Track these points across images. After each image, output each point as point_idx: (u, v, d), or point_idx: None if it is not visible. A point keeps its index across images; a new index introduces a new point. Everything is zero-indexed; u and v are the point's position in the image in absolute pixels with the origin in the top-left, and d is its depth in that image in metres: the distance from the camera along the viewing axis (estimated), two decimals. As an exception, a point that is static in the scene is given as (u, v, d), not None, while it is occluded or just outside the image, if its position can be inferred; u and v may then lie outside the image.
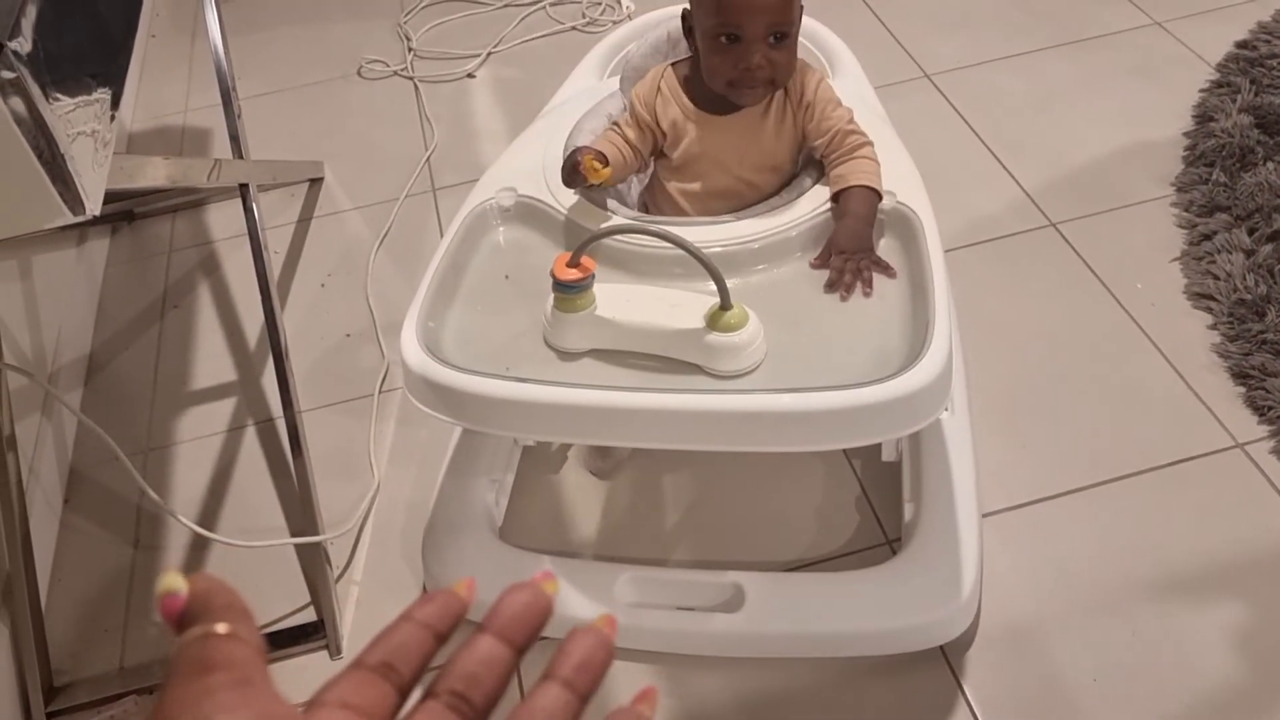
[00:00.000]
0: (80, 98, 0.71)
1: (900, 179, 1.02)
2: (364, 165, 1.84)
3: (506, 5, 2.18)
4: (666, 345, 0.89)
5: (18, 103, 0.62)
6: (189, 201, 1.78)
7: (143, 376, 1.53)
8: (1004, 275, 1.46)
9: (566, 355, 0.92)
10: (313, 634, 1.17)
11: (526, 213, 1.06)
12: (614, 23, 2.05)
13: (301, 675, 1.14)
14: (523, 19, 2.13)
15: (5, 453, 1.19)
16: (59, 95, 0.67)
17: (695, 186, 1.06)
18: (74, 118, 0.69)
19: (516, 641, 0.33)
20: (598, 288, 0.90)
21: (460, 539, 1.17)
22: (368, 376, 1.46)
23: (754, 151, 1.03)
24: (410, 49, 2.09)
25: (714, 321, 0.86)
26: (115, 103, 0.78)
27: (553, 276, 0.89)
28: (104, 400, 1.51)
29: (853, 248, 0.95)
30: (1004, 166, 1.64)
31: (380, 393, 1.43)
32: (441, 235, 1.63)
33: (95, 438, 1.42)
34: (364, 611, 1.20)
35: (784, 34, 0.95)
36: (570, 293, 0.89)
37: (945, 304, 0.89)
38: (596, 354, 0.92)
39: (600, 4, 2.11)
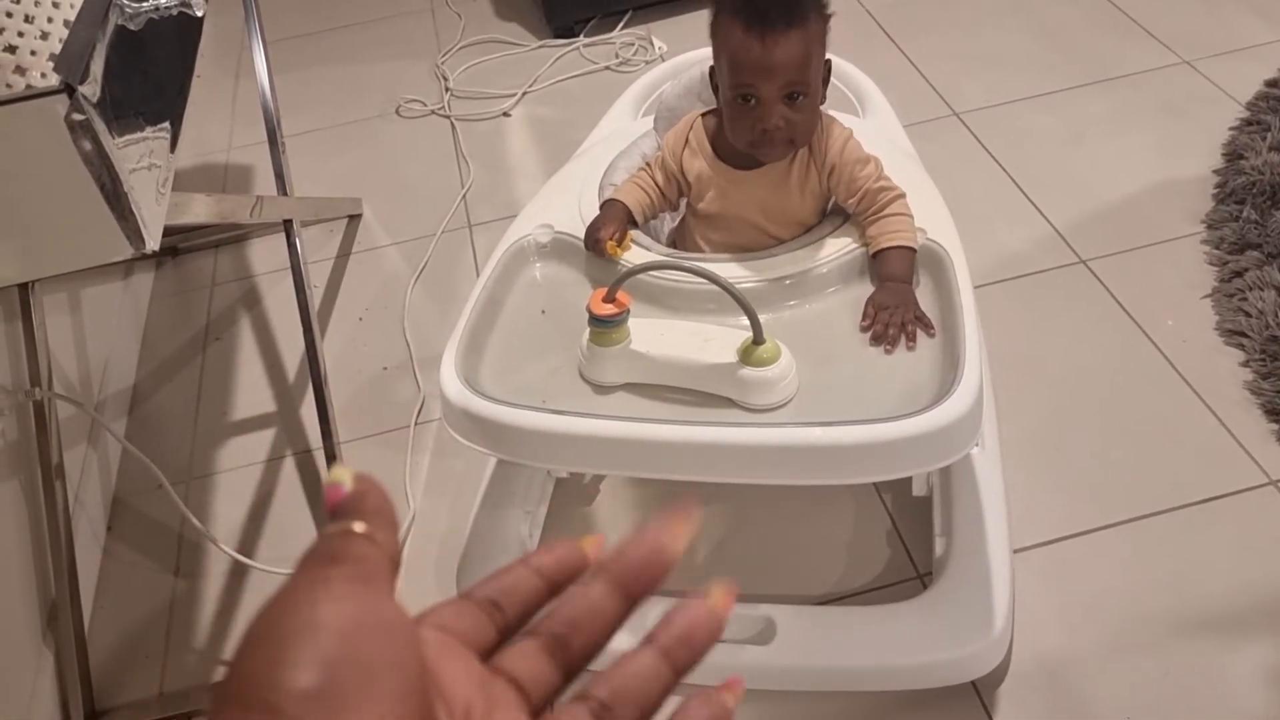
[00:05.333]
0: (143, 136, 0.75)
1: (930, 216, 1.03)
2: (402, 202, 1.88)
3: (541, 46, 2.22)
4: (700, 379, 0.91)
5: (86, 143, 0.66)
6: (231, 237, 1.83)
7: (185, 407, 1.56)
8: (1034, 311, 1.47)
9: (601, 389, 0.94)
10: (348, 662, 1.18)
11: (563, 249, 1.08)
12: (646, 63, 2.08)
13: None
14: (557, 59, 2.17)
15: (53, 481, 1.23)
16: (123, 134, 0.70)
17: (719, 237, 1.07)
18: (136, 156, 0.72)
19: (631, 594, 0.31)
20: (632, 322, 0.92)
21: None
22: (404, 409, 1.48)
23: (777, 208, 1.04)
24: (447, 88, 2.14)
25: (747, 356, 0.88)
26: (174, 140, 0.82)
27: (588, 311, 0.91)
28: (147, 430, 1.54)
29: (895, 303, 0.96)
30: (1033, 204, 1.65)
31: (416, 425, 1.45)
32: (477, 271, 1.68)
33: (138, 466, 1.46)
34: (398, 640, 1.21)
35: (801, 94, 0.95)
36: (605, 327, 0.91)
37: (975, 339, 0.90)
38: (631, 388, 0.94)
39: (633, 45, 2.15)
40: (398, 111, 2.11)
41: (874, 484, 1.28)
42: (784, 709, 1.08)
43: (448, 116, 2.07)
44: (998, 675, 1.07)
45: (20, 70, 0.78)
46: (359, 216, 1.85)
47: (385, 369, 1.56)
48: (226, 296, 1.74)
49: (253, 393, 1.57)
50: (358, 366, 1.57)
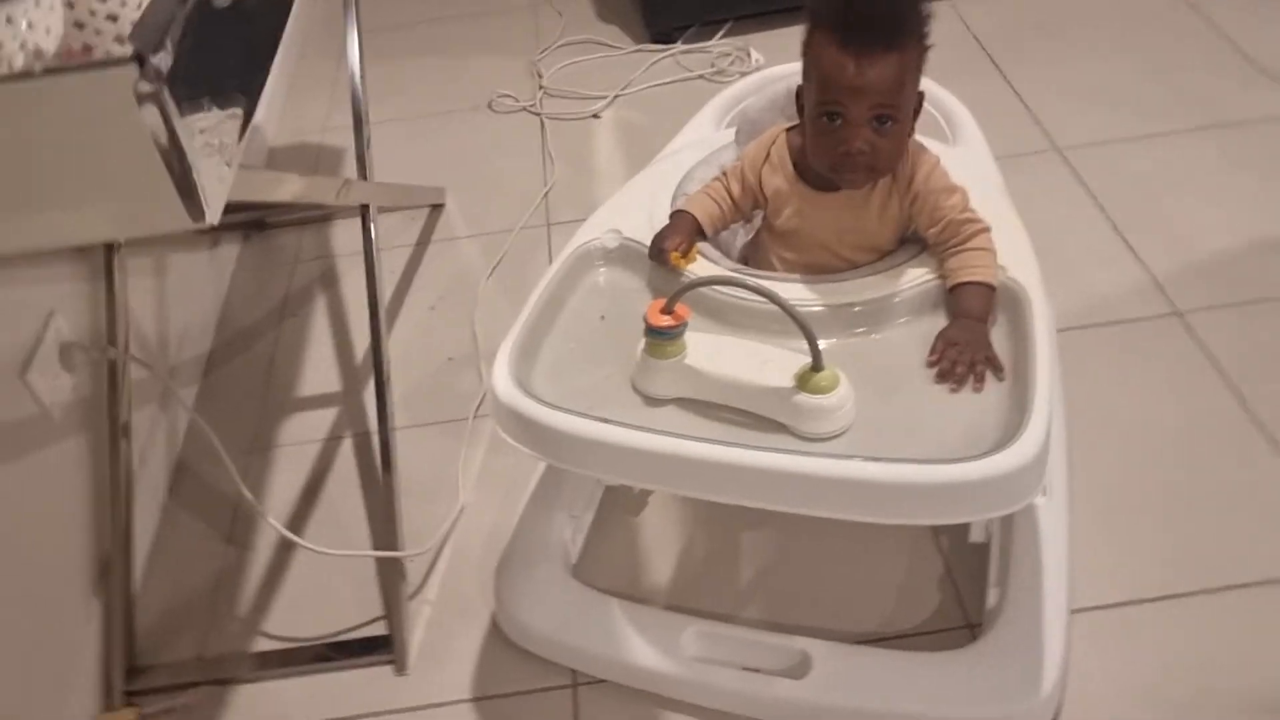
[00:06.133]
0: (213, 113, 0.75)
1: (1011, 253, 0.99)
2: (484, 195, 1.89)
3: (638, 50, 2.22)
4: (753, 401, 0.89)
5: (153, 113, 0.66)
6: (316, 216, 1.86)
7: (255, 379, 1.59)
8: (1119, 361, 1.40)
9: (652, 401, 0.93)
10: (381, 648, 1.19)
11: (629, 256, 1.07)
12: (742, 74, 2.06)
13: (368, 689, 1.16)
14: (652, 64, 2.16)
15: (118, 440, 1.26)
16: (193, 110, 0.71)
17: (792, 256, 1.05)
18: (204, 131, 0.73)
19: None
20: (690, 336, 0.91)
21: (533, 572, 1.18)
22: (464, 401, 1.49)
23: (855, 232, 1.01)
24: (541, 86, 2.15)
25: (804, 382, 0.85)
26: (247, 121, 0.82)
27: (645, 321, 0.89)
28: (217, 398, 1.57)
29: (966, 341, 0.92)
30: (1130, 248, 1.58)
31: (474, 417, 1.46)
32: (550, 269, 1.68)
33: (203, 433, 1.49)
34: (433, 632, 1.21)
35: (890, 119, 0.92)
36: (662, 339, 0.89)
37: (1047, 384, 0.86)
38: (683, 403, 0.92)
39: (730, 55, 2.13)
40: (490, 105, 2.13)
41: (931, 525, 1.24)
42: (813, 747, 1.04)
43: (538, 114, 2.08)
44: (1041, 739, 1.02)
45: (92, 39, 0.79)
46: (441, 206, 1.87)
47: (450, 360, 1.57)
48: (306, 275, 1.77)
49: (320, 371, 1.59)
50: (424, 355, 1.57)
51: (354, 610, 1.25)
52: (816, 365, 0.85)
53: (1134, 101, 1.87)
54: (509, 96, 2.13)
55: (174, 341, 1.53)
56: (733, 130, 1.22)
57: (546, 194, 1.86)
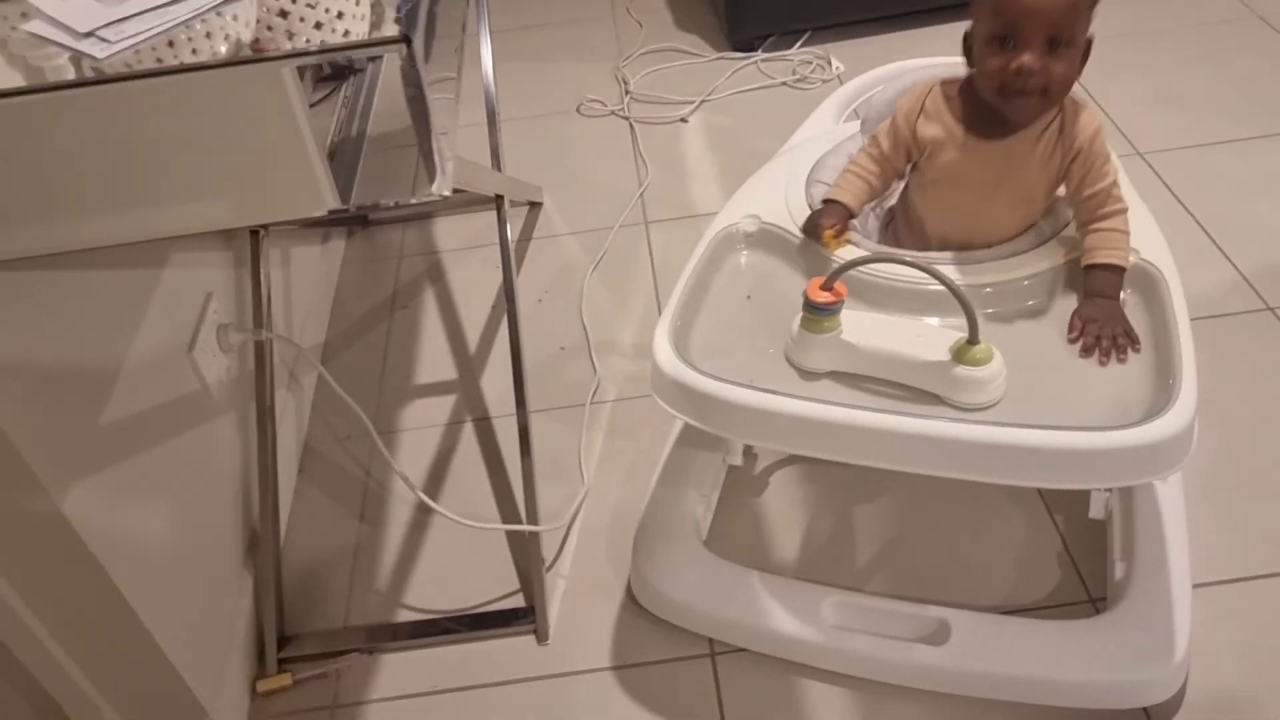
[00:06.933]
0: (441, 96, 0.81)
1: (1143, 235, 1.04)
2: (579, 194, 1.95)
3: (720, 58, 2.28)
4: (909, 373, 0.94)
5: (414, 92, 0.73)
6: (419, 213, 1.92)
7: (370, 368, 1.65)
8: (1217, 354, 1.45)
9: (808, 374, 0.98)
10: (523, 618, 1.24)
11: (768, 239, 1.13)
12: (824, 81, 2.12)
13: (512, 657, 1.21)
14: (735, 71, 2.23)
15: (266, 419, 1.32)
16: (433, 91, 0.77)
17: (938, 212, 1.08)
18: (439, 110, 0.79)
19: None
20: (844, 313, 0.96)
21: (670, 544, 1.23)
22: (578, 388, 1.54)
23: (1013, 180, 1.03)
24: (627, 91, 2.21)
25: (961, 355, 0.91)
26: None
27: (805, 297, 0.95)
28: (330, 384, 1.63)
29: (1104, 317, 0.97)
30: (1219, 247, 1.63)
31: (591, 404, 1.51)
32: (652, 265, 1.74)
33: (328, 415, 1.55)
34: (569, 604, 1.27)
35: (1064, 42, 0.93)
36: (820, 314, 0.95)
37: (1192, 356, 0.92)
38: (837, 376, 0.97)
39: (811, 63, 2.19)
40: (579, 110, 2.19)
41: (1044, 502, 1.28)
42: (951, 712, 1.09)
43: (626, 118, 2.14)
44: (1172, 705, 1.06)
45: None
46: (539, 205, 1.93)
47: (562, 349, 1.63)
48: (412, 269, 1.84)
49: (434, 360, 1.65)
50: (536, 345, 1.63)
51: (489, 584, 1.30)
52: (973, 338, 0.90)
53: (1212, 109, 1.92)
54: (598, 101, 2.19)
55: (297, 329, 1.59)
56: (857, 123, 1.27)
57: (642, 194, 1.92)
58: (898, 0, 2.19)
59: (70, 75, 0.73)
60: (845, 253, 1.07)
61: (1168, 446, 0.86)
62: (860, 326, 0.96)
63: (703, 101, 2.15)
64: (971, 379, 0.91)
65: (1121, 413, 0.90)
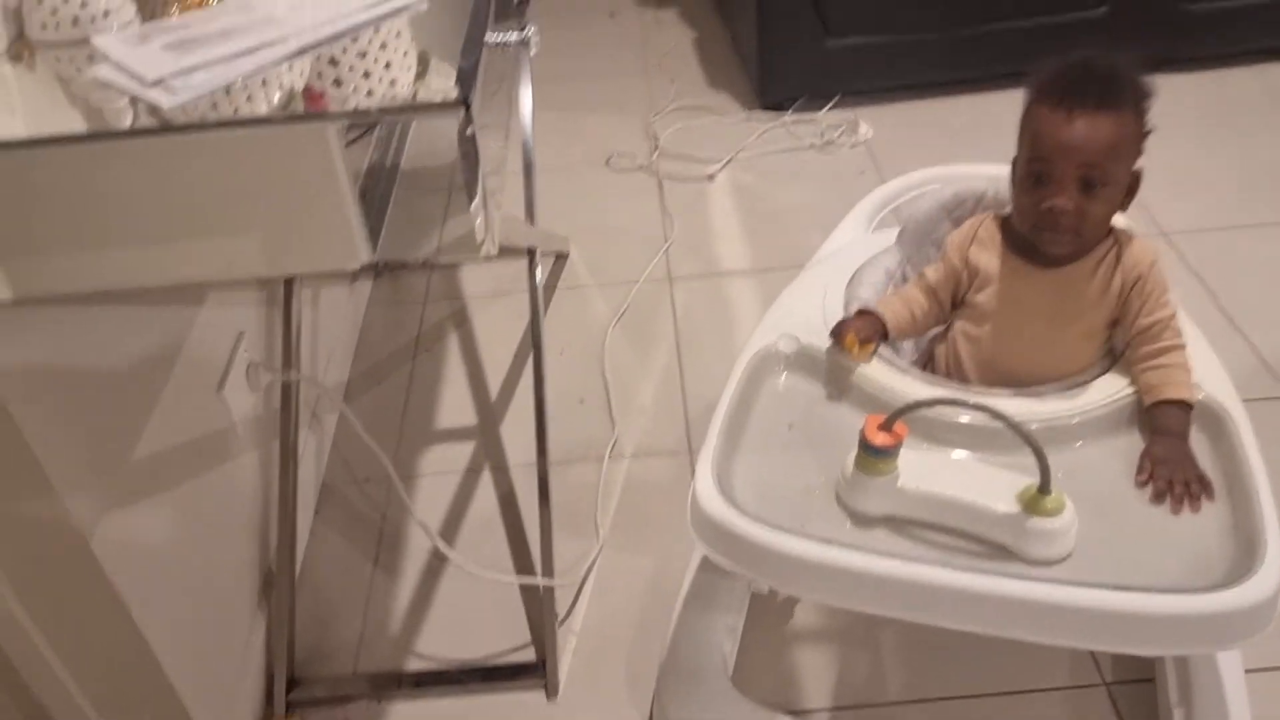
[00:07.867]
0: (491, 153, 0.83)
1: (1204, 368, 0.99)
2: (605, 246, 1.97)
3: (749, 118, 2.31)
4: (974, 523, 0.87)
5: (470, 153, 0.74)
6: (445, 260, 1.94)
7: (392, 411, 1.66)
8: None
9: (861, 519, 0.91)
10: (533, 673, 1.24)
11: (807, 361, 1.06)
12: (851, 147, 2.15)
13: (520, 712, 1.21)
14: (763, 132, 2.26)
15: (289, 459, 1.32)
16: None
17: (989, 343, 1.03)
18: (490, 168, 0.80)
19: None
20: (903, 454, 0.89)
21: (698, 684, 1.16)
22: (596, 442, 1.55)
23: (1069, 310, 1.00)
24: (656, 147, 2.24)
25: (1033, 505, 0.84)
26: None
27: (862, 437, 0.87)
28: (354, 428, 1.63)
29: (1174, 460, 0.92)
30: (1239, 330, 1.63)
31: (609, 459, 1.51)
32: (675, 321, 1.75)
33: (347, 457, 1.55)
34: (580, 660, 1.26)
35: (1098, 181, 0.92)
36: (878, 457, 0.88)
37: (1274, 514, 0.86)
38: (893, 522, 0.90)
39: (840, 126, 2.22)
40: (607, 163, 2.22)
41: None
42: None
43: (654, 173, 2.17)
44: None
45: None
46: (565, 255, 1.94)
47: (581, 402, 1.63)
48: (436, 314, 1.85)
49: (455, 405, 1.65)
50: (555, 396, 1.63)
51: (499, 635, 1.30)
52: (1045, 487, 0.83)
53: (1239, 192, 1.94)
54: (626, 155, 2.22)
55: (321, 368, 1.60)
56: (892, 232, 1.21)
57: (667, 249, 1.94)
58: (926, 70, 2.22)
59: (129, 118, 0.75)
60: (879, 371, 1.00)
61: (1252, 614, 0.80)
62: (920, 469, 0.89)
63: (730, 160, 2.17)
64: (1044, 531, 0.84)
65: (1201, 570, 0.84)
